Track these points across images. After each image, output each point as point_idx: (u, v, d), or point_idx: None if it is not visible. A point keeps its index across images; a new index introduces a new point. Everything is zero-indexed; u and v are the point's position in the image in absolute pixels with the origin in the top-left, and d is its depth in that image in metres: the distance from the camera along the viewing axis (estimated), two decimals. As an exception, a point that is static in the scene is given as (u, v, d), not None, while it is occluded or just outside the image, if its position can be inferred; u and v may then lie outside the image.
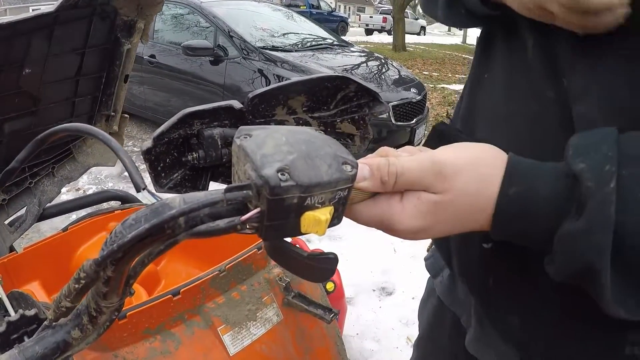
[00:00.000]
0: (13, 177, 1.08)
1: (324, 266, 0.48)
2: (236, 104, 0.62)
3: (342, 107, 0.71)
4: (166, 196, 0.54)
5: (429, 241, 0.89)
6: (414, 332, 2.91)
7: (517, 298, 0.66)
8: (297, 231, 0.41)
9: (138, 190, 0.54)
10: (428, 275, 1.06)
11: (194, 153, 0.61)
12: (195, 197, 0.39)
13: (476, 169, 0.49)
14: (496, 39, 0.70)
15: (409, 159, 0.49)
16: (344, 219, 0.48)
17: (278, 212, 0.40)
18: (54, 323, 0.50)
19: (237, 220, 0.40)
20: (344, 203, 0.44)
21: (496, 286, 0.68)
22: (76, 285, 0.43)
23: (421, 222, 0.50)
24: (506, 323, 0.69)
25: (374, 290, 3.26)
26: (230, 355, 1.09)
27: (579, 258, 0.45)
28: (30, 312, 0.61)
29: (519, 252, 0.55)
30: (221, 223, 0.39)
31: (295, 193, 0.39)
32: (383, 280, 3.35)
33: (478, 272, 0.71)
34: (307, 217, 0.41)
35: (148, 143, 0.58)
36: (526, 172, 0.48)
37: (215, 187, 0.65)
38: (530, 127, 0.62)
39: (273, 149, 0.41)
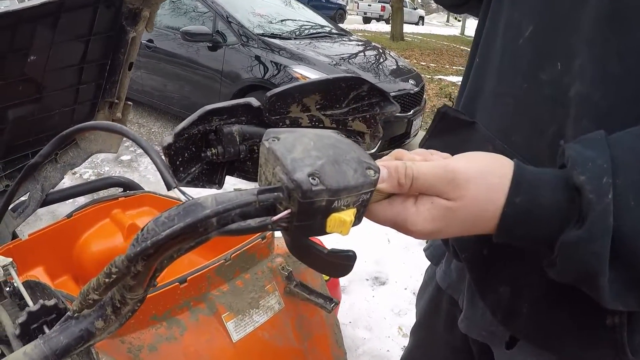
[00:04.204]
0: (24, 167, 1.09)
1: (343, 262, 0.50)
2: (254, 101, 0.63)
3: (353, 105, 0.73)
4: (187, 190, 0.56)
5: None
6: (406, 321, 2.93)
7: (508, 268, 0.71)
8: (322, 231, 0.44)
9: (169, 189, 0.55)
10: (421, 266, 1.12)
11: (212, 149, 0.63)
12: (227, 197, 0.41)
13: (486, 178, 0.52)
14: (492, 26, 0.76)
15: (425, 164, 0.52)
16: None
17: (307, 214, 0.42)
18: (77, 314, 0.52)
19: (269, 220, 0.42)
20: (365, 205, 0.46)
21: (490, 256, 0.73)
22: (106, 280, 0.45)
23: (433, 225, 0.52)
24: (497, 293, 0.73)
25: (367, 280, 3.28)
26: (233, 341, 1.12)
27: (580, 263, 0.50)
28: (50, 302, 0.63)
29: None
30: (252, 222, 0.41)
31: (324, 197, 0.41)
32: (376, 270, 3.38)
33: (474, 244, 0.76)
34: (333, 218, 0.43)
35: (169, 139, 0.60)
36: (531, 182, 0.52)
37: (230, 180, 0.67)
38: (518, 104, 0.69)
39: (302, 153, 0.43)
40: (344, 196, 0.42)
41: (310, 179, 0.41)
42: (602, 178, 0.48)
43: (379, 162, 0.52)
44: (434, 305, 1.04)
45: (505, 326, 0.75)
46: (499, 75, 0.73)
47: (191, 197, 0.45)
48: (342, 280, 3.08)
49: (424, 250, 1.08)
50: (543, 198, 0.51)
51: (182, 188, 0.60)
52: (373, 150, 4.49)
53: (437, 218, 0.52)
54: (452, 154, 0.57)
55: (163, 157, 0.62)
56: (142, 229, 0.43)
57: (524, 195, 0.51)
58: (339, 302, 1.24)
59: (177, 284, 1.04)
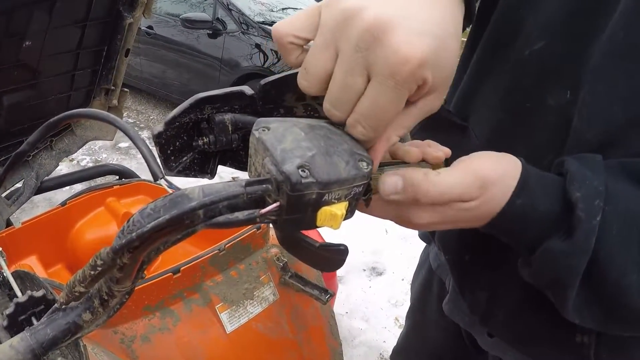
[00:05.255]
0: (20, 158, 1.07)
1: (334, 256, 0.49)
2: (247, 90, 0.61)
3: (350, 94, 0.71)
4: (173, 179, 0.54)
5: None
6: (403, 312, 2.94)
7: (487, 275, 0.72)
8: (312, 225, 0.42)
9: (156, 179, 0.54)
10: (418, 256, 1.11)
11: (204, 138, 0.61)
12: (215, 189, 0.40)
13: (505, 180, 0.51)
14: (498, 23, 0.69)
15: (449, 176, 0.50)
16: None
17: (296, 207, 0.40)
18: (64, 306, 0.51)
19: (257, 213, 0.40)
20: (358, 198, 0.45)
21: (471, 262, 0.75)
22: (92, 272, 0.43)
23: (440, 218, 0.51)
24: (475, 296, 0.75)
25: (364, 270, 3.28)
26: (227, 332, 1.11)
27: (555, 272, 0.52)
28: (38, 293, 0.62)
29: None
30: (240, 215, 0.40)
31: (314, 189, 0.40)
32: (373, 261, 3.38)
33: (457, 248, 0.77)
34: (324, 211, 0.41)
35: (159, 127, 0.58)
36: (533, 186, 0.52)
37: (222, 170, 0.65)
38: (517, 124, 0.65)
39: (292, 144, 0.42)
40: (335, 189, 0.41)
41: (299, 171, 0.39)
42: (595, 200, 0.49)
43: (395, 170, 0.50)
44: (427, 287, 1.05)
45: (483, 325, 0.77)
46: (498, 84, 0.68)
47: (178, 187, 0.44)
48: (339, 271, 3.08)
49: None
50: (541, 204, 0.52)
51: (172, 178, 0.59)
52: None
53: (446, 216, 0.51)
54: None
55: (154, 146, 0.60)
56: (128, 221, 0.42)
57: (524, 198, 0.51)
58: (335, 293, 1.23)
59: (170, 274, 1.03)
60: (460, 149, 0.56)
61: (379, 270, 3.31)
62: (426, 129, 0.75)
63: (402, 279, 3.19)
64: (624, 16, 0.53)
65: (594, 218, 0.48)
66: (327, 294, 1.20)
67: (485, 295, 0.74)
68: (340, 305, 2.88)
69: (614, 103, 0.55)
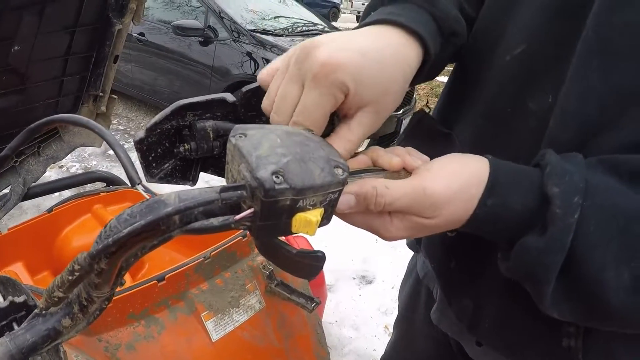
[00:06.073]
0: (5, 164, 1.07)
1: (312, 263, 0.49)
2: (229, 97, 0.62)
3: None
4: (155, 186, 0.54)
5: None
6: (392, 321, 2.93)
7: (473, 283, 0.72)
8: (288, 231, 0.43)
9: (133, 185, 0.54)
10: (407, 265, 1.11)
11: (185, 144, 0.62)
12: (190, 194, 0.40)
13: (465, 192, 0.52)
14: (479, 35, 0.71)
15: (399, 188, 0.51)
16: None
17: (271, 213, 0.40)
18: (44, 311, 0.50)
19: (231, 219, 0.40)
20: (334, 205, 0.45)
21: (457, 269, 0.75)
22: (70, 277, 0.44)
23: (407, 234, 0.54)
24: (461, 305, 0.75)
25: (354, 278, 3.27)
26: (213, 341, 1.11)
27: (530, 268, 0.52)
28: (20, 299, 0.61)
29: (480, 242, 0.60)
30: (215, 221, 0.40)
31: (288, 196, 0.40)
32: (363, 269, 3.37)
33: (442, 255, 0.78)
34: (299, 218, 0.42)
35: (141, 133, 0.58)
36: (504, 184, 0.52)
37: (205, 177, 0.65)
38: (499, 129, 0.66)
39: (268, 150, 0.42)
40: (310, 195, 0.41)
41: (273, 177, 0.39)
42: (573, 196, 0.48)
43: (348, 188, 0.50)
44: (414, 296, 1.05)
45: (470, 332, 0.77)
46: (482, 90, 0.69)
47: (155, 193, 0.44)
48: (329, 279, 3.07)
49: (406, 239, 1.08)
50: (514, 202, 0.52)
51: (153, 184, 0.59)
52: (361, 149, 4.46)
53: (411, 229, 0.53)
54: (430, 158, 0.56)
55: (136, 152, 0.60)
56: (106, 226, 0.42)
57: (495, 198, 0.52)
58: (321, 301, 1.23)
59: (155, 281, 1.03)
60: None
61: (368, 278, 3.30)
62: (412, 137, 0.76)
63: (392, 287, 3.19)
64: (597, 15, 0.54)
65: (572, 216, 0.48)
66: (313, 302, 1.20)
67: (472, 302, 0.73)
68: (329, 314, 2.87)
69: (589, 101, 0.55)
